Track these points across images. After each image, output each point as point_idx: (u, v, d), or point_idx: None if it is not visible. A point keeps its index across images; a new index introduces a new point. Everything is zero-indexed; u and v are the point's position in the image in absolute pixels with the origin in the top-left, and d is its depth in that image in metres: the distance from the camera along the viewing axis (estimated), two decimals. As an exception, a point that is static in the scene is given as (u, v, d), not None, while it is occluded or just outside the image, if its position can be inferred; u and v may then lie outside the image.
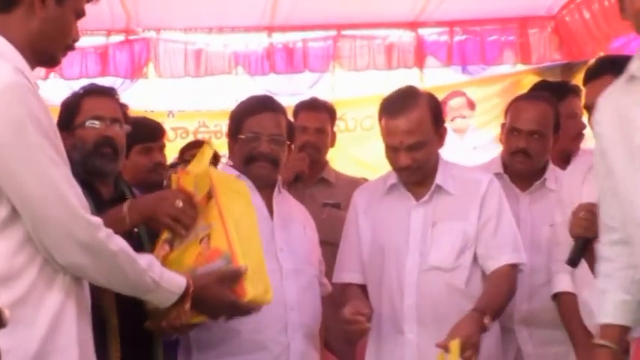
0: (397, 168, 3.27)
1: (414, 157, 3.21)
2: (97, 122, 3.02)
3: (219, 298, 2.65)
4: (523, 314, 3.54)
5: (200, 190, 2.80)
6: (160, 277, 2.46)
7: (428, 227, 3.28)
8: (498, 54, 7.49)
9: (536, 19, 7.44)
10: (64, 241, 2.22)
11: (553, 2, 7.18)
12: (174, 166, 4.50)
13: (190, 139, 7.04)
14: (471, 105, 7.53)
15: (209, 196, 2.78)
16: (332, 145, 4.80)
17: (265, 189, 3.36)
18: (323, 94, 7.23)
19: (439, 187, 3.30)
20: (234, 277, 2.64)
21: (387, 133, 3.25)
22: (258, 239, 2.82)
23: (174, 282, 2.51)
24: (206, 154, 2.87)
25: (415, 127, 3.19)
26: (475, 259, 3.27)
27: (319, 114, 4.77)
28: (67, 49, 2.38)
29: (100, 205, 2.90)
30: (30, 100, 2.16)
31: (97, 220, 2.33)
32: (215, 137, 7.19)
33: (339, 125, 7.19)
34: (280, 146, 3.32)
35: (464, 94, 7.55)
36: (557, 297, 3.30)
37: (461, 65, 7.57)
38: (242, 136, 3.31)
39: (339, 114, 7.37)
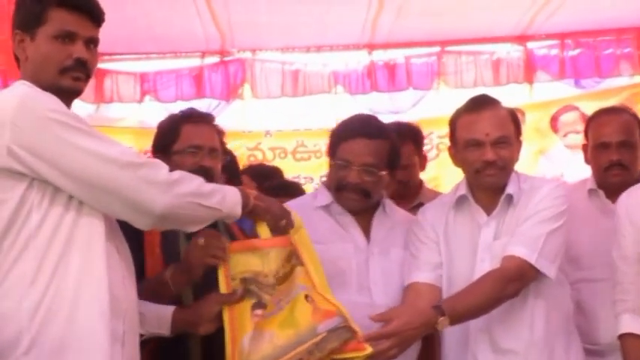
0: (480, 165, 3.00)
1: (498, 153, 2.98)
2: (195, 151, 2.99)
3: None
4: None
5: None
6: (214, 185, 2.52)
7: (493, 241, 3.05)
8: (614, 66, 7.21)
9: (656, 28, 7.16)
10: (146, 193, 2.26)
11: (675, 9, 6.82)
12: None
13: (289, 159, 7.09)
14: (586, 119, 7.15)
15: (297, 259, 2.70)
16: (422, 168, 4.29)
17: (364, 212, 3.18)
18: (427, 112, 7.13)
19: (510, 199, 3.04)
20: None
21: (468, 129, 3.02)
22: None
23: (228, 189, 2.56)
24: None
25: (501, 122, 3.02)
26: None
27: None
28: (69, 72, 2.39)
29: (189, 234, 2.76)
30: (42, 99, 2.27)
31: (154, 160, 2.39)
32: (315, 157, 7.13)
33: (445, 144, 6.98)
34: (372, 177, 3.08)
35: (577, 109, 7.22)
36: (622, 338, 3.11)
37: (574, 79, 7.32)
38: (333, 163, 3.16)
39: (444, 132, 7.31)
